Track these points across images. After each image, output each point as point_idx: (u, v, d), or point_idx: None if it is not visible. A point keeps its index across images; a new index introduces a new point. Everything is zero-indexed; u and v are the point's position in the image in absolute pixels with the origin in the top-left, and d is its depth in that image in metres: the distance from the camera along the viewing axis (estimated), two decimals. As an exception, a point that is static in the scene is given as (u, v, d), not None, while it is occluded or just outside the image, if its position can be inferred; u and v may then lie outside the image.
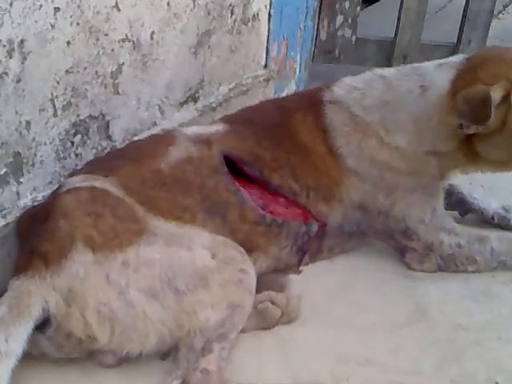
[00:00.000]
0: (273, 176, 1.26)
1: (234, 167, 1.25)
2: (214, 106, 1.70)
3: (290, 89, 2.14)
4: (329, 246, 1.36)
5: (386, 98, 1.28)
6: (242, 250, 1.10)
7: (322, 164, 1.27)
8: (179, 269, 1.00)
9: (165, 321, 0.98)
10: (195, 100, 1.68)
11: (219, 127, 1.31)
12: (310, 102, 1.32)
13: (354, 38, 2.43)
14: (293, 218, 1.27)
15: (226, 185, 1.20)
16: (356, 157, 1.28)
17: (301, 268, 1.35)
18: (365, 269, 1.38)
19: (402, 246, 1.35)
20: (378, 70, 1.33)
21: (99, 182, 1.10)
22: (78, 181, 1.12)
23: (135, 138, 1.45)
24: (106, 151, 1.39)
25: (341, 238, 1.35)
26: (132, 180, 1.12)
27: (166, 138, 1.27)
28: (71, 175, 1.18)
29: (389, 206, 1.30)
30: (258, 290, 1.14)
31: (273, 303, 1.18)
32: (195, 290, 1.00)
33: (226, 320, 1.02)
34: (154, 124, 1.54)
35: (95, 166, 1.18)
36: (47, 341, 1.00)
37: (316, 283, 1.32)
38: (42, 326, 0.97)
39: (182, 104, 1.63)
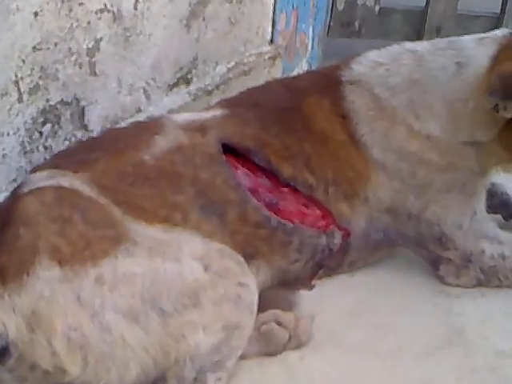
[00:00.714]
0: (283, 166, 1.25)
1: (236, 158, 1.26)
2: (209, 88, 1.70)
3: (301, 68, 2.14)
4: (351, 260, 1.36)
5: (416, 76, 1.28)
6: (240, 259, 1.10)
7: (343, 153, 1.28)
8: (165, 285, 1.00)
9: (148, 348, 0.97)
10: (187, 82, 1.68)
11: (216, 112, 1.31)
12: (326, 83, 1.33)
13: (377, 8, 2.43)
14: (310, 224, 1.26)
15: (224, 178, 1.20)
16: (382, 147, 1.28)
17: (313, 282, 1.35)
18: (390, 284, 1.37)
19: (435, 257, 1.35)
20: (408, 44, 1.34)
21: (67, 180, 1.10)
22: (41, 178, 1.12)
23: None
24: (80, 143, 1.37)
25: (365, 249, 1.35)
26: (108, 176, 1.12)
27: (151, 126, 1.27)
28: (34, 171, 1.17)
29: (421, 208, 1.30)
30: (262, 308, 1.14)
31: (279, 324, 1.18)
32: (184, 311, 1.00)
33: (222, 345, 1.02)
34: (139, 110, 1.54)
35: (63, 159, 1.18)
36: (8, 373, 0.98)
37: (332, 301, 1.32)
38: (1, 355, 0.96)
39: (171, 87, 1.63)
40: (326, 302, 1.31)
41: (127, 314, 0.97)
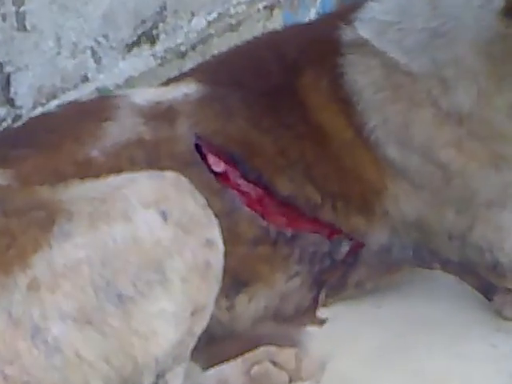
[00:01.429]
0: (279, 180, 1.22)
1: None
2: (182, 49, 1.66)
3: (309, 22, 2.15)
4: (358, 278, 1.31)
5: (433, 25, 1.21)
6: (203, 199, 1.06)
7: (349, 158, 1.23)
8: (119, 260, 0.97)
9: (109, 356, 0.95)
10: (152, 40, 1.63)
11: (190, 89, 1.26)
12: (321, 49, 1.27)
13: None
14: (310, 230, 1.24)
15: (204, 181, 1.16)
16: (401, 144, 1.22)
17: (324, 316, 1.29)
18: (429, 318, 1.30)
19: (487, 284, 1.30)
20: None
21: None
22: None
23: (53, 104, 1.42)
24: (3, 124, 1.38)
25: (378, 267, 1.31)
26: (40, 177, 1.10)
27: (98, 109, 1.24)
28: None
29: (464, 228, 1.24)
30: (254, 345, 1.15)
31: (275, 364, 1.15)
32: (149, 292, 0.97)
33: (187, 335, 1.02)
34: (85, 79, 1.51)
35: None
36: None
37: (350, 340, 1.25)
38: None
39: (130, 47, 1.59)
40: (343, 341, 1.25)
41: (78, 317, 0.95)
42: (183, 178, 1.06)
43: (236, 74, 1.30)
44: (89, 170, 1.12)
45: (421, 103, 1.21)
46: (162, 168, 1.12)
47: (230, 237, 1.14)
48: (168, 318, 0.98)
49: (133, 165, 1.14)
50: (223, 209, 1.17)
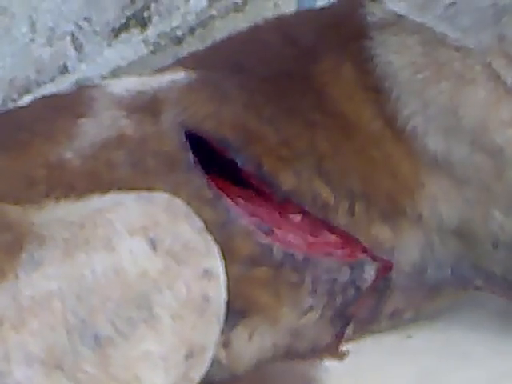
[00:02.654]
0: (282, 173, 1.16)
1: (207, 153, 1.17)
2: (178, 34, 1.63)
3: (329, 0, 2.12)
4: (394, 308, 1.23)
5: (503, 2, 1.15)
6: (198, 221, 1.04)
7: (376, 150, 1.18)
8: (97, 295, 0.95)
9: None
10: (143, 24, 1.60)
11: (177, 76, 1.20)
12: (344, 33, 1.23)
13: None
14: (323, 252, 1.18)
15: (194, 188, 1.12)
16: (445, 132, 1.17)
17: (344, 348, 1.19)
18: (467, 351, 1.20)
19: None
20: None
21: None
22: None
23: (26, 99, 1.37)
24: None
25: (417, 292, 1.23)
26: (5, 182, 1.07)
27: (72, 102, 1.19)
28: None
29: None
30: None
31: None
32: (132, 332, 0.94)
33: (181, 381, 0.98)
34: (64, 71, 1.48)
35: None
36: None
37: (374, 376, 1.15)
38: None
39: (117, 32, 1.56)
40: (367, 378, 1.16)
41: (46, 361, 0.92)
42: (177, 201, 1.04)
43: (235, 58, 1.26)
44: (62, 175, 1.08)
45: (473, 79, 1.17)
46: (146, 169, 1.12)
47: (223, 253, 1.09)
48: (154, 362, 0.95)
49: (112, 168, 1.10)
50: (216, 220, 1.11)
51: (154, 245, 0.99)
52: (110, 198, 1.04)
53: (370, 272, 1.19)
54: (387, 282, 1.20)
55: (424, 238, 1.20)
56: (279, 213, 1.18)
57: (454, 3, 1.18)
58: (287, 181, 1.17)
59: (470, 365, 1.18)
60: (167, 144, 1.14)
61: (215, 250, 1.04)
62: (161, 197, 1.04)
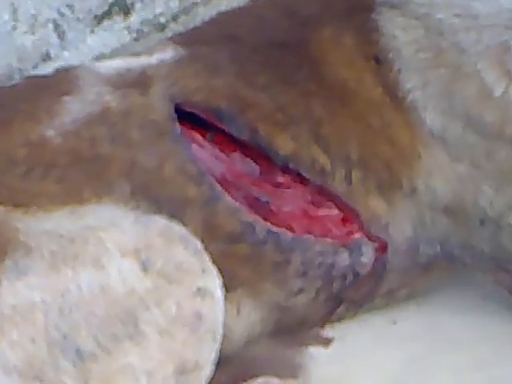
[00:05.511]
0: (278, 138, 1.16)
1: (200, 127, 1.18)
2: (162, 21, 1.60)
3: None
4: (389, 287, 1.25)
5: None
6: (198, 244, 1.05)
7: (375, 116, 1.20)
8: (81, 311, 0.95)
9: None
10: (126, 10, 1.56)
11: (165, 54, 1.21)
12: (349, 5, 1.24)
13: None
14: (320, 233, 1.18)
15: (179, 163, 1.13)
16: (442, 111, 1.19)
17: (330, 334, 1.21)
18: (453, 335, 1.22)
19: None
20: None
21: None
22: None
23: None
24: None
25: (411, 271, 1.25)
26: None
27: (56, 81, 1.20)
28: None
29: (502, 207, 1.20)
30: (249, 373, 1.11)
31: None
32: (115, 348, 0.95)
33: None
34: (47, 58, 1.45)
35: None
36: None
37: (360, 364, 1.18)
38: None
39: (99, 19, 1.52)
40: (353, 364, 1.18)
41: (24, 372, 0.92)
42: (175, 227, 1.05)
43: (226, 29, 1.27)
44: (43, 153, 1.09)
45: (468, 75, 1.19)
46: (129, 142, 1.12)
47: (206, 230, 1.12)
48: (136, 376, 0.95)
49: (94, 146, 1.11)
50: (200, 196, 1.13)
51: (144, 266, 0.99)
52: (107, 216, 1.04)
53: (368, 254, 1.19)
54: (384, 264, 1.21)
55: (416, 214, 1.21)
56: (277, 184, 1.19)
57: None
58: (285, 145, 1.17)
59: (455, 350, 1.20)
60: (154, 114, 1.14)
61: (212, 269, 1.05)
62: (158, 221, 1.05)
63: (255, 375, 1.11)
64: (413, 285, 1.27)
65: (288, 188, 1.19)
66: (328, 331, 1.23)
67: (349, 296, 1.22)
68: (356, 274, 1.20)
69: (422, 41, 1.20)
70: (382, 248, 1.21)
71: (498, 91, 1.19)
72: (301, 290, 1.18)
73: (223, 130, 1.17)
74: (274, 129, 1.18)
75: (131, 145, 1.13)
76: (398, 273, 1.24)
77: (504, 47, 1.19)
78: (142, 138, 1.13)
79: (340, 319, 1.24)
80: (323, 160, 1.19)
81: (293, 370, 1.16)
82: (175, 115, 1.14)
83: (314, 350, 1.20)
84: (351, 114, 1.21)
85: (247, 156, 1.19)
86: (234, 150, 1.18)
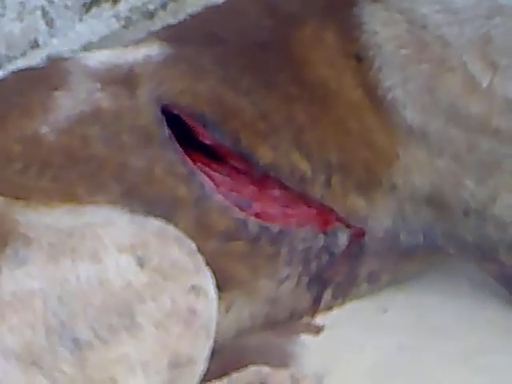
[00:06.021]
0: (259, 147, 1.17)
1: (184, 130, 1.17)
2: (150, 8, 1.65)
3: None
4: (370, 270, 1.26)
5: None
6: (192, 245, 1.06)
7: (355, 121, 1.20)
8: (79, 301, 0.95)
9: None
10: None
11: (152, 50, 1.21)
12: (330, 0, 1.24)
13: None
14: (299, 223, 1.20)
15: (168, 165, 1.14)
16: (423, 106, 1.19)
17: (320, 323, 1.22)
18: (442, 323, 1.23)
19: (509, 275, 1.25)
20: None
21: None
22: None
23: None
24: None
25: (391, 256, 1.26)
26: None
27: (46, 75, 1.19)
28: None
29: (485, 200, 1.21)
30: (241, 363, 1.11)
31: None
32: (112, 338, 0.95)
33: None
34: (35, 46, 1.50)
35: None
36: None
37: (351, 352, 1.18)
38: None
39: (88, 6, 1.58)
40: (343, 352, 1.19)
41: (23, 357, 0.92)
42: (170, 228, 1.06)
43: (209, 29, 1.26)
44: (38, 151, 1.09)
45: (452, 68, 1.19)
46: (121, 144, 1.12)
47: (198, 229, 1.13)
48: (132, 366, 0.96)
49: (87, 146, 1.11)
50: (190, 196, 1.13)
51: (141, 262, 1.00)
52: (105, 214, 1.05)
53: (343, 238, 1.21)
54: (361, 247, 1.23)
55: (396, 207, 1.23)
56: (257, 187, 1.19)
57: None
58: (265, 155, 1.18)
59: (445, 338, 1.21)
60: (143, 119, 1.14)
61: (206, 270, 1.06)
62: (154, 223, 1.06)
63: (246, 364, 1.11)
64: (396, 270, 1.28)
65: (265, 193, 1.20)
66: (318, 320, 1.24)
67: (329, 276, 1.22)
68: (331, 254, 1.21)
69: (404, 36, 1.19)
70: (359, 234, 1.23)
71: (484, 83, 1.19)
72: (287, 277, 1.20)
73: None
74: (256, 139, 1.19)
75: (122, 148, 1.13)
76: (377, 256, 1.25)
77: (486, 38, 1.19)
78: (131, 141, 1.13)
79: (330, 307, 1.24)
80: (304, 167, 1.20)
81: (284, 359, 1.18)
82: (163, 117, 1.15)
83: (305, 339, 1.21)
84: (332, 120, 1.21)
85: (228, 163, 1.19)
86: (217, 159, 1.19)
